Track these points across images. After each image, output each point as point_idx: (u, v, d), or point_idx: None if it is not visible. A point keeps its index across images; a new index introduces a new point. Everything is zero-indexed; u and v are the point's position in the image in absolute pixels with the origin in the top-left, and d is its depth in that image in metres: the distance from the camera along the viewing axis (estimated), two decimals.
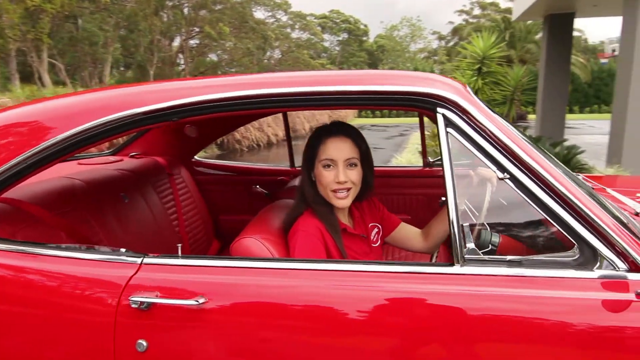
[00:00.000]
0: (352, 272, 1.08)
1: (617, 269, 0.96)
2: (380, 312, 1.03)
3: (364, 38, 61.49)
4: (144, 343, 1.05)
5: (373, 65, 58.06)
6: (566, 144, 5.77)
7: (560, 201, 0.98)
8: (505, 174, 1.03)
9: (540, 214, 1.00)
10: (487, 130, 1.02)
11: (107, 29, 23.44)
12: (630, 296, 0.94)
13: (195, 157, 2.70)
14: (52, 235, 1.43)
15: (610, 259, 0.96)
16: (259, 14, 41.03)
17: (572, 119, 17.91)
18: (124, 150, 2.54)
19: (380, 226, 1.57)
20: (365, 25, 60.57)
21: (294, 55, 42.40)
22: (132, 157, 2.46)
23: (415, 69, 43.01)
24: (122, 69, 35.05)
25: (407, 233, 1.60)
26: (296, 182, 2.15)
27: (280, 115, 2.70)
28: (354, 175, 1.36)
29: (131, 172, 2.15)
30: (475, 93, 6.25)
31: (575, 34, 11.67)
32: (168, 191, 2.28)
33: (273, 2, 42.51)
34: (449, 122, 1.06)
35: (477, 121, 1.02)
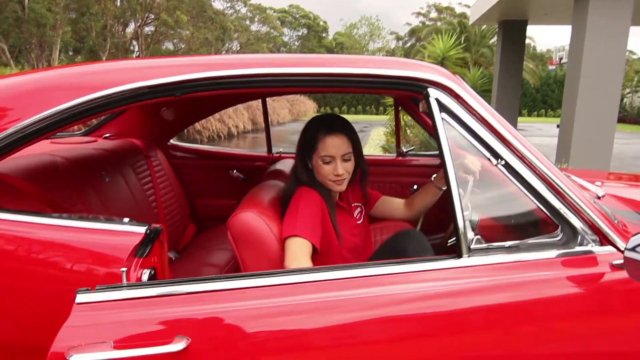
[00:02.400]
0: (374, 277, 1.05)
1: (592, 244, 1.08)
2: (406, 314, 1.03)
3: (324, 35, 61.63)
4: None
5: None
6: None
7: (548, 185, 1.08)
8: (500, 160, 1.10)
9: (529, 199, 1.09)
10: (480, 117, 1.11)
11: (57, 10, 22.34)
12: (606, 268, 1.06)
13: (171, 140, 2.69)
14: (38, 209, 1.41)
15: (588, 236, 1.08)
16: (218, 4, 40.38)
17: (521, 122, 18.77)
18: (96, 132, 2.49)
19: (362, 206, 1.73)
20: (325, 22, 60.71)
21: (253, 48, 41.91)
22: (105, 138, 2.42)
23: None
24: (71, 53, 33.47)
25: (391, 204, 1.81)
26: (277, 167, 2.19)
27: (240, 106, 2.72)
28: (349, 166, 1.51)
29: (109, 152, 2.12)
30: None
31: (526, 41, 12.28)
32: (145, 173, 2.26)
33: None
34: (442, 107, 1.13)
35: (471, 107, 1.11)
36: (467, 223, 1.07)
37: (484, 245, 1.10)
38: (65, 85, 1.21)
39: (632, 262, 0.96)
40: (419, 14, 50.79)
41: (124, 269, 1.01)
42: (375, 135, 12.34)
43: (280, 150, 2.68)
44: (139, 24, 30.31)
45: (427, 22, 46.47)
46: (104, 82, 1.18)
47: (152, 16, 29.80)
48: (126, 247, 1.08)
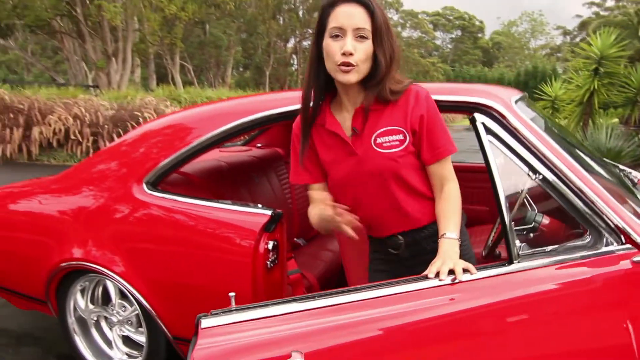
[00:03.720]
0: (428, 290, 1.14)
1: (617, 244, 1.25)
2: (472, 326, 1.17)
3: (479, 35, 59.17)
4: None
5: (488, 63, 55.65)
6: None
7: (577, 195, 1.27)
8: (538, 174, 1.31)
9: (563, 207, 1.30)
10: (523, 136, 1.36)
11: (230, 33, 25.55)
12: (627, 264, 1.24)
13: None
14: (207, 196, 2.04)
15: (612, 237, 1.26)
16: None
17: None
18: (251, 143, 3.17)
19: (406, 136, 1.25)
20: (481, 22, 58.24)
21: (403, 54, 42.25)
22: (258, 147, 3.08)
23: (535, 67, 40.46)
24: (241, 69, 37.76)
25: (435, 181, 1.31)
26: None
27: None
28: (363, 49, 1.17)
29: (259, 159, 2.75)
30: (591, 95, 6.24)
31: None
32: (285, 175, 2.85)
33: (385, 1, 42.80)
34: (488, 130, 1.39)
35: (514, 127, 1.37)
36: (514, 234, 1.26)
37: (529, 251, 1.29)
38: (232, 111, 1.81)
39: None
40: (592, 3, 45.40)
41: (233, 293, 1.10)
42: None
43: None
44: (297, 39, 32.95)
45: (601, 13, 41.28)
46: (256, 108, 1.75)
47: (310, 31, 32.17)
48: (258, 223, 1.61)
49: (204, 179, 2.20)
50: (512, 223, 1.29)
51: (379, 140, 1.25)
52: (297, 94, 1.38)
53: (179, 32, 20.96)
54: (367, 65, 1.20)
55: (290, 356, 0.99)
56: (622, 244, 1.26)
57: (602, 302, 1.25)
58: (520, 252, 1.26)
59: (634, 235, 1.24)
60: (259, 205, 1.68)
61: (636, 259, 1.22)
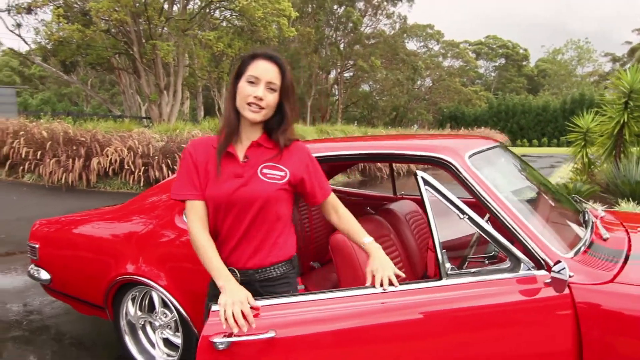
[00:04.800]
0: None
1: (530, 269, 1.57)
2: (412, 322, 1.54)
3: (524, 63, 58.53)
4: None
5: (533, 90, 54.82)
6: None
7: (506, 229, 1.63)
8: (465, 216, 1.61)
9: (488, 239, 1.63)
10: (469, 183, 1.73)
11: None
12: (541, 285, 1.55)
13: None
14: None
15: (527, 265, 1.58)
16: (412, 44, 42.21)
17: None
18: None
19: (286, 173, 1.52)
20: (525, 50, 57.67)
21: (444, 84, 42.48)
22: None
23: (582, 95, 39.57)
24: None
25: (329, 208, 1.68)
26: (390, 206, 2.95)
27: None
28: (271, 97, 1.46)
29: None
30: (621, 127, 6.56)
31: None
32: (304, 208, 3.29)
33: (425, 32, 43.36)
34: (425, 182, 1.69)
35: (463, 177, 1.75)
36: (445, 257, 1.61)
37: (455, 271, 1.61)
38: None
39: (556, 280, 1.48)
40: None
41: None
42: (562, 173, 11.67)
43: (402, 192, 3.43)
44: (339, 71, 33.89)
45: None
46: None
47: (351, 63, 33.04)
48: None
49: None
50: (443, 250, 1.62)
51: (264, 171, 1.52)
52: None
53: (226, 66, 22.15)
54: (271, 111, 1.49)
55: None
56: (538, 269, 1.59)
57: (512, 318, 1.55)
58: (448, 272, 1.61)
59: (547, 261, 1.57)
60: None
61: (547, 280, 1.55)
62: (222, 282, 1.45)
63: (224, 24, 21.57)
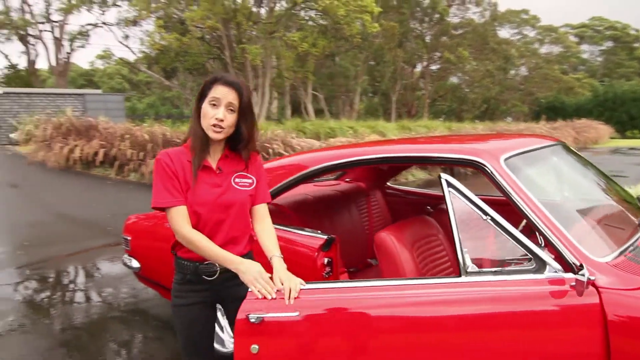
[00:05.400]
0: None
1: (557, 271, 1.56)
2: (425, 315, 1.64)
3: (635, 45, 52.87)
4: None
5: None
6: None
7: (533, 230, 1.65)
8: (487, 217, 1.66)
9: (512, 242, 1.63)
10: (502, 187, 1.77)
11: (358, 63, 26.84)
12: (567, 287, 1.54)
13: (388, 183, 3.80)
14: (294, 224, 2.71)
15: (553, 266, 1.58)
16: (504, 32, 40.05)
17: None
18: (342, 177, 3.82)
19: (253, 180, 1.78)
20: (637, 31, 52.03)
21: (542, 72, 39.80)
22: (345, 181, 3.71)
23: None
24: (370, 95, 38.99)
25: (257, 217, 1.82)
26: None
27: None
28: (231, 118, 1.64)
29: (342, 192, 3.38)
30: None
31: None
32: (364, 207, 3.42)
33: (519, 18, 40.89)
34: (449, 184, 1.77)
35: (497, 180, 1.78)
36: (467, 256, 1.66)
37: (475, 269, 1.65)
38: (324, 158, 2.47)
39: (578, 282, 1.49)
40: None
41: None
42: None
43: None
44: (425, 64, 33.16)
45: None
46: (341, 155, 2.38)
47: (437, 54, 32.16)
48: (317, 244, 2.22)
49: (293, 210, 2.89)
50: (464, 248, 1.67)
51: (237, 180, 1.74)
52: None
53: (311, 66, 22.71)
54: (231, 129, 1.67)
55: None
56: (566, 271, 1.58)
57: (532, 318, 1.56)
58: (468, 270, 1.66)
59: (575, 262, 1.57)
60: (319, 232, 2.30)
61: (572, 283, 1.55)
62: (236, 264, 1.64)
63: (310, 23, 22.09)
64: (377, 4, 22.93)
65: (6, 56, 25.72)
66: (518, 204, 1.74)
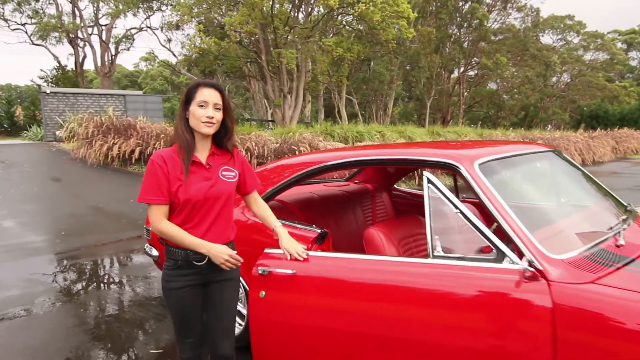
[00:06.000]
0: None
1: (513, 262, 1.71)
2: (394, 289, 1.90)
3: None
4: None
5: None
6: None
7: (496, 225, 1.79)
8: (457, 210, 1.84)
9: (480, 236, 1.81)
10: (473, 188, 1.91)
11: (392, 68, 26.84)
12: (519, 277, 1.68)
13: (395, 185, 3.95)
14: (299, 220, 2.91)
15: (510, 258, 1.72)
16: (547, 38, 39.08)
17: None
18: (352, 179, 3.99)
19: (236, 173, 2.02)
20: None
21: (585, 80, 38.59)
22: (355, 183, 3.89)
23: None
24: (406, 100, 38.84)
25: (252, 201, 2.16)
26: None
27: None
28: (218, 115, 1.90)
29: (348, 193, 3.56)
30: None
31: None
32: (369, 207, 3.59)
33: (564, 24, 39.80)
34: (429, 182, 1.96)
35: (468, 181, 1.93)
36: (438, 242, 1.88)
37: (443, 254, 1.87)
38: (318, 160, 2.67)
39: (527, 272, 1.64)
40: None
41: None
42: None
43: (464, 195, 3.55)
44: (462, 70, 32.78)
45: None
46: (337, 157, 2.56)
47: (476, 60, 31.73)
48: (311, 237, 2.41)
49: (299, 208, 3.10)
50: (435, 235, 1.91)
51: (223, 173, 1.98)
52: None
53: (345, 70, 22.90)
54: (219, 125, 1.93)
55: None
56: (518, 263, 1.72)
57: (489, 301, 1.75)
58: (435, 253, 1.90)
59: (529, 256, 1.71)
60: (314, 226, 2.49)
61: (527, 274, 1.69)
62: (207, 249, 1.89)
63: (347, 27, 22.30)
64: (415, 10, 22.89)
65: (56, 57, 26.90)
66: (486, 203, 1.88)
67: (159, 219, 1.89)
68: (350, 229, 3.35)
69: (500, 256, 1.77)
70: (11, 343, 3.16)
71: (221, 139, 1.99)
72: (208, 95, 1.88)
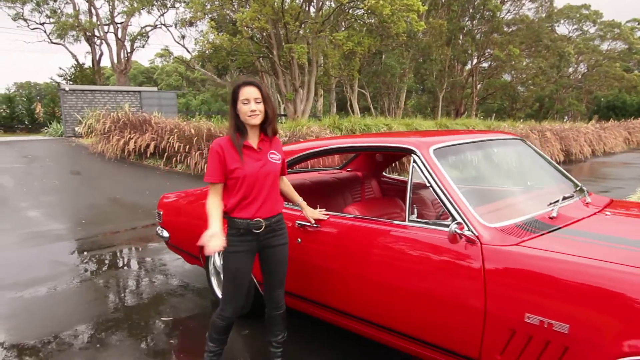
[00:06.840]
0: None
1: (457, 228, 2.04)
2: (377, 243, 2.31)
3: None
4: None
5: None
6: None
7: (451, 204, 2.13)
8: (429, 185, 2.20)
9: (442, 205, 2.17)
10: (426, 170, 2.25)
11: (404, 61, 26.93)
12: (458, 237, 2.03)
13: (384, 172, 4.28)
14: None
15: (456, 225, 2.04)
16: (562, 28, 38.63)
17: None
18: (345, 167, 4.33)
19: (280, 157, 2.40)
20: None
21: (602, 70, 38.11)
22: (347, 171, 4.23)
23: None
24: (419, 93, 38.80)
25: (282, 182, 2.61)
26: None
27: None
28: (260, 107, 2.25)
29: (340, 180, 3.90)
30: None
31: None
32: (358, 193, 3.92)
33: (579, 14, 39.27)
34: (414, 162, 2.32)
35: (423, 164, 2.25)
36: (412, 208, 2.25)
37: (416, 219, 2.25)
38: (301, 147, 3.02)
39: (463, 236, 1.98)
40: None
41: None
42: None
43: None
44: (474, 61, 32.66)
45: None
46: (313, 147, 2.94)
47: (489, 50, 31.58)
48: (296, 216, 2.76)
49: None
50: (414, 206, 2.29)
51: (271, 156, 2.35)
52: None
53: (356, 64, 23.10)
54: (262, 115, 2.28)
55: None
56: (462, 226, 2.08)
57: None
58: (409, 218, 2.29)
59: (468, 224, 2.06)
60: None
61: (466, 233, 2.04)
62: (212, 229, 2.21)
63: (358, 21, 22.48)
64: (425, 2, 22.92)
65: (74, 56, 27.66)
66: (437, 183, 2.22)
67: (212, 195, 2.30)
68: (338, 210, 3.68)
69: (453, 223, 2.12)
70: (40, 313, 3.59)
71: (265, 127, 2.34)
72: (248, 92, 2.23)
